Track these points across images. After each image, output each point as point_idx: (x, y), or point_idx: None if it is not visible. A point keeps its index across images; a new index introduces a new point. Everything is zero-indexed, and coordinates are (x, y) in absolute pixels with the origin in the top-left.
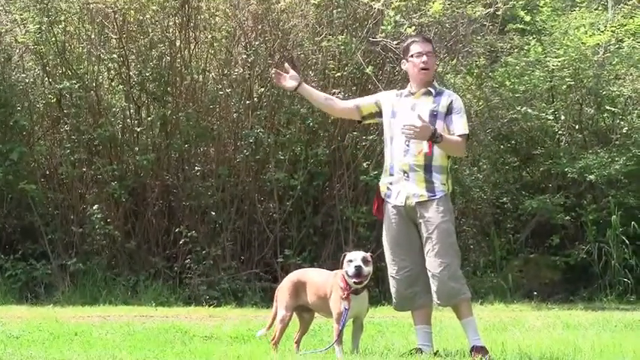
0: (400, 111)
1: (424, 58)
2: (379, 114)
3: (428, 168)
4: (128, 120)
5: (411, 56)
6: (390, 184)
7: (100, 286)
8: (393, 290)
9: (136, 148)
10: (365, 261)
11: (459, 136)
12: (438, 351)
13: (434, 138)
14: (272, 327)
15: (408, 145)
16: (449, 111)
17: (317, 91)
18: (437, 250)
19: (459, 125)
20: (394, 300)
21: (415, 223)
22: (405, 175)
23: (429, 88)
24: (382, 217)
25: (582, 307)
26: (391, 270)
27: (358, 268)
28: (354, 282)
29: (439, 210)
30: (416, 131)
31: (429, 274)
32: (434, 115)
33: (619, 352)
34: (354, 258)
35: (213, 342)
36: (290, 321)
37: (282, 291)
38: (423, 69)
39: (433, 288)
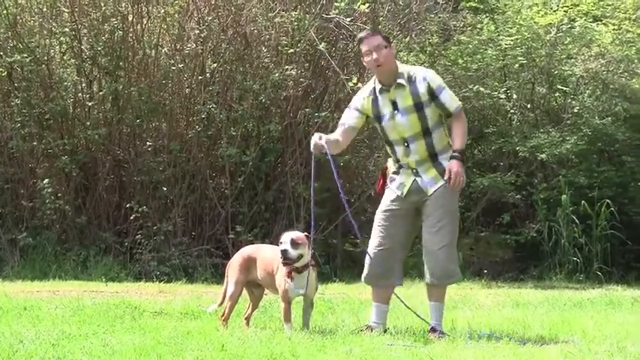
0: (384, 113)
1: (374, 55)
2: (369, 117)
3: (433, 157)
4: (80, 94)
5: (362, 57)
6: (396, 173)
7: (49, 261)
8: (366, 263)
9: (88, 123)
10: (294, 243)
11: (456, 110)
12: (388, 328)
13: (465, 161)
14: (223, 303)
15: (407, 147)
16: (432, 94)
17: (335, 136)
18: (438, 228)
19: (451, 101)
20: (365, 272)
21: (416, 206)
22: (414, 171)
23: (399, 81)
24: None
25: (532, 285)
26: (371, 243)
27: (283, 253)
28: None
29: (447, 189)
30: (460, 182)
31: (425, 250)
32: (420, 108)
33: (568, 330)
34: (284, 240)
35: (163, 318)
36: (240, 297)
37: (233, 266)
38: (377, 66)
39: (428, 265)
